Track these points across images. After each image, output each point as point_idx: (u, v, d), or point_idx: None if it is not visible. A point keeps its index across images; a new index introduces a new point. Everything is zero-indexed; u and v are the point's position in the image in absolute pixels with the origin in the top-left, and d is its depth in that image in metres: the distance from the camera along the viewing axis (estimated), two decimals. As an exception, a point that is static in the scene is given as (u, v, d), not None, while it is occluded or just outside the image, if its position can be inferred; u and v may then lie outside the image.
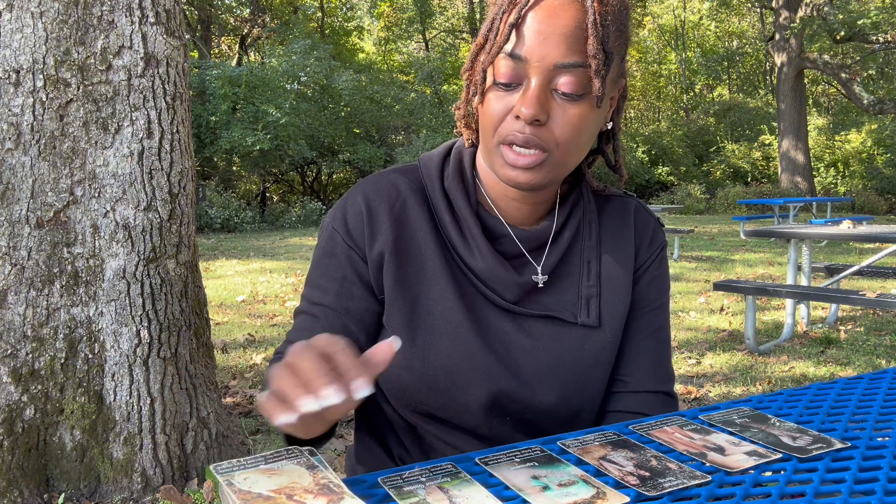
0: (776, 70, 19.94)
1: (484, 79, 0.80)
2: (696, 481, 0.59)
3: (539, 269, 0.89)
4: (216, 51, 22.43)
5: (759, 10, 26.55)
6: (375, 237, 0.87)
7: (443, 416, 0.88)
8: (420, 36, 28.96)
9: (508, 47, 0.76)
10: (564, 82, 0.76)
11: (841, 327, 4.64)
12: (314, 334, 0.79)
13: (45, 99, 2.17)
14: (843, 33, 16.92)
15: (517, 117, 0.78)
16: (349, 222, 0.88)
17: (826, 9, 17.56)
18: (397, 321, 0.86)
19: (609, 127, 0.89)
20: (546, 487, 0.58)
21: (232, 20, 22.52)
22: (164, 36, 2.32)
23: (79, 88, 2.19)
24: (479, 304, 0.88)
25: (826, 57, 18.24)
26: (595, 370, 0.90)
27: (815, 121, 23.93)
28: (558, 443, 0.68)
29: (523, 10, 0.75)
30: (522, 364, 0.87)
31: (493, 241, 0.88)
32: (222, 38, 23.57)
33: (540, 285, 0.89)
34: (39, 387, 2.16)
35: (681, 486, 0.58)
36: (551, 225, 0.90)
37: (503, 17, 0.77)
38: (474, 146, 0.92)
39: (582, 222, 0.93)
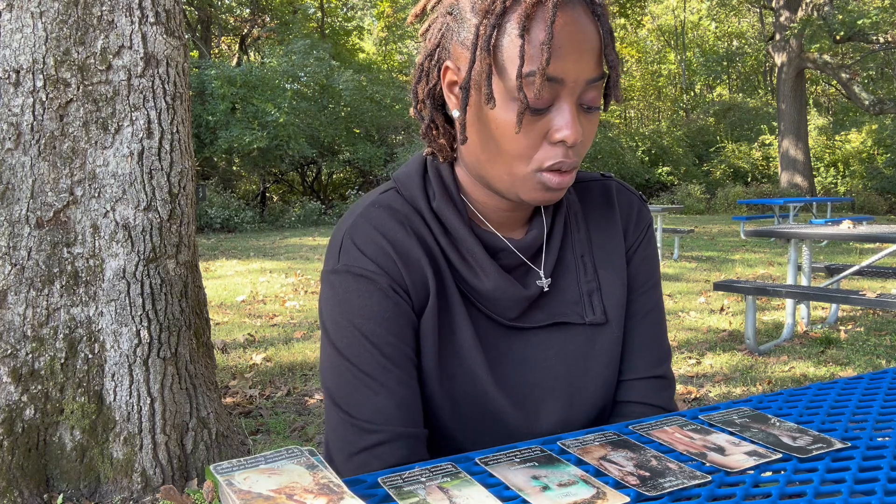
0: (776, 70, 19.94)
1: (526, 108, 0.72)
2: (696, 481, 0.59)
3: (542, 272, 0.87)
4: (216, 51, 22.41)
5: (758, 10, 26.55)
6: (410, 268, 0.82)
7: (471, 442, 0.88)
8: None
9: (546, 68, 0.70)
10: (591, 97, 0.75)
11: (841, 327, 4.64)
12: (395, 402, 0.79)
13: (45, 99, 2.17)
14: (842, 33, 16.91)
15: (554, 142, 0.74)
16: (380, 262, 0.81)
17: (826, 9, 17.56)
18: (429, 354, 0.83)
19: None
20: (546, 487, 0.58)
21: (232, 20, 22.51)
22: (164, 36, 2.32)
23: (79, 88, 2.19)
24: (484, 328, 0.85)
25: (826, 57, 18.23)
26: (609, 368, 0.89)
27: (816, 121, 23.92)
28: (558, 443, 0.68)
29: (552, 28, 0.69)
30: (534, 383, 0.86)
31: (493, 257, 0.85)
32: (222, 38, 23.56)
33: (546, 289, 0.87)
34: (39, 387, 2.16)
35: (681, 486, 0.58)
36: (542, 227, 0.88)
37: (524, 35, 0.70)
38: (446, 161, 0.87)
39: (568, 216, 0.91)
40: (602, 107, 0.77)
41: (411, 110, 0.87)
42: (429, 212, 0.84)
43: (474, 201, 0.86)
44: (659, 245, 8.20)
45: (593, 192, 0.94)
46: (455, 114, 0.79)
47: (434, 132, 0.84)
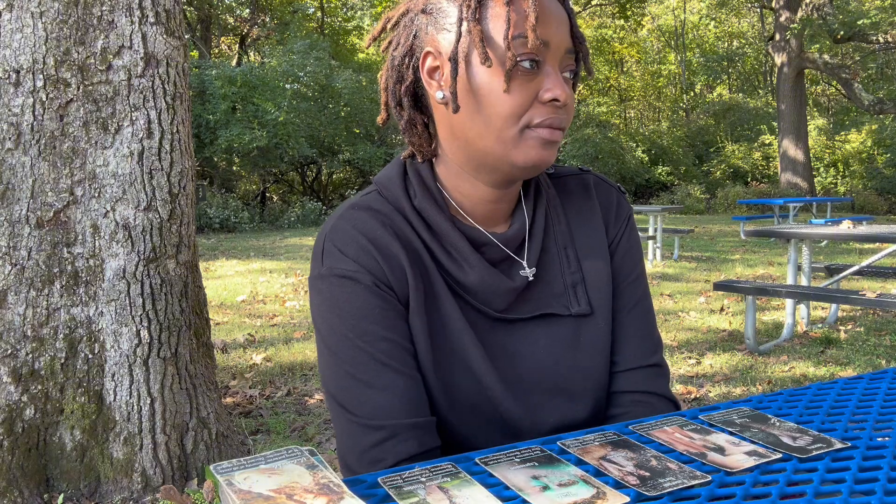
0: (776, 70, 19.94)
1: (515, 63, 0.76)
2: (696, 481, 0.59)
3: (525, 263, 0.88)
4: (216, 51, 22.42)
5: (758, 10, 26.55)
6: (391, 263, 0.83)
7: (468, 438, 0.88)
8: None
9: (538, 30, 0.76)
10: (568, 66, 0.81)
11: (841, 327, 4.64)
12: (404, 400, 0.80)
13: (45, 99, 2.17)
14: (842, 33, 16.91)
15: (545, 102, 0.78)
16: (361, 261, 0.82)
17: (826, 9, 17.56)
18: (422, 348, 0.84)
19: None
20: (546, 487, 0.58)
21: (232, 20, 22.51)
22: (164, 36, 2.32)
23: (79, 88, 2.19)
24: (474, 319, 0.86)
25: (826, 57, 18.23)
26: (596, 359, 0.90)
27: (815, 121, 23.91)
28: (558, 443, 0.68)
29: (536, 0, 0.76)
30: (525, 376, 0.87)
31: (478, 251, 0.86)
32: (222, 38, 23.56)
33: (531, 279, 0.88)
34: (39, 387, 2.16)
35: (681, 486, 0.58)
36: (524, 220, 0.89)
37: (510, 4, 0.76)
38: (425, 160, 0.89)
39: (549, 209, 0.92)
40: (574, 78, 0.84)
41: (379, 118, 0.91)
42: (411, 210, 0.86)
43: (457, 196, 0.87)
44: (659, 245, 8.20)
45: (572, 185, 0.96)
46: (439, 95, 0.81)
47: (414, 129, 0.87)
